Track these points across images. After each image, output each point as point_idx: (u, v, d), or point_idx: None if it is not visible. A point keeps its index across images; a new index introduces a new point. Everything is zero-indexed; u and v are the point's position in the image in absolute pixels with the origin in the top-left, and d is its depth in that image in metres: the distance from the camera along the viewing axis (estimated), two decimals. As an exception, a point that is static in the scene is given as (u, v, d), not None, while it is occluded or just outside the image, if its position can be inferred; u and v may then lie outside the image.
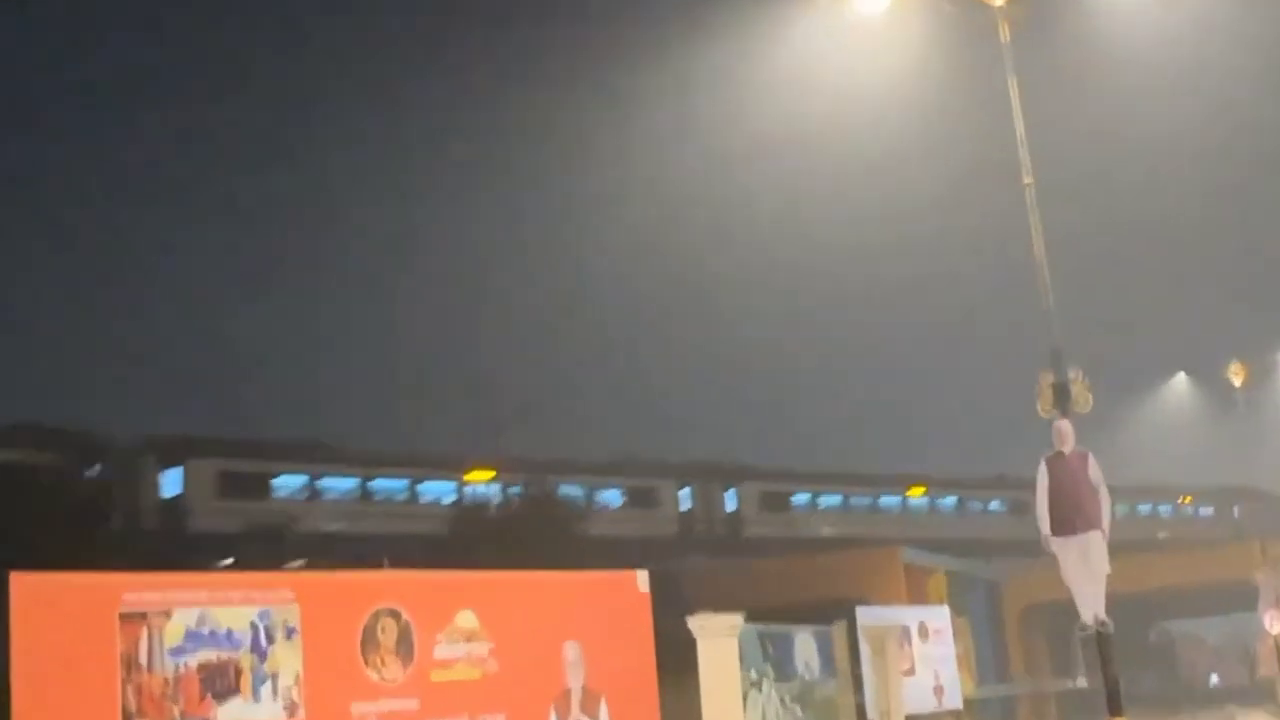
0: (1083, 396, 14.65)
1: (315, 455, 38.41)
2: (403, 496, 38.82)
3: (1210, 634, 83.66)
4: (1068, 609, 14.70)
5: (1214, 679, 76.59)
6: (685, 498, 48.36)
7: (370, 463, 39.23)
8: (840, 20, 17.36)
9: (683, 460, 48.87)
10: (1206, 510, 64.22)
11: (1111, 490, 14.81)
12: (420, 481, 39.45)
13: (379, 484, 38.69)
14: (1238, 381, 40.67)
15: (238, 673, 13.84)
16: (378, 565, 17.58)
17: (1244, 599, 40.14)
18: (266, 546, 30.30)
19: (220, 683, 13.65)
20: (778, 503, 49.94)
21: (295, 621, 14.50)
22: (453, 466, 40.96)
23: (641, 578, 19.97)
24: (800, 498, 50.67)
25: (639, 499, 46.35)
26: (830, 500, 51.52)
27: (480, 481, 39.92)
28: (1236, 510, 62.37)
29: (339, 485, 38.09)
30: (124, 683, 12.81)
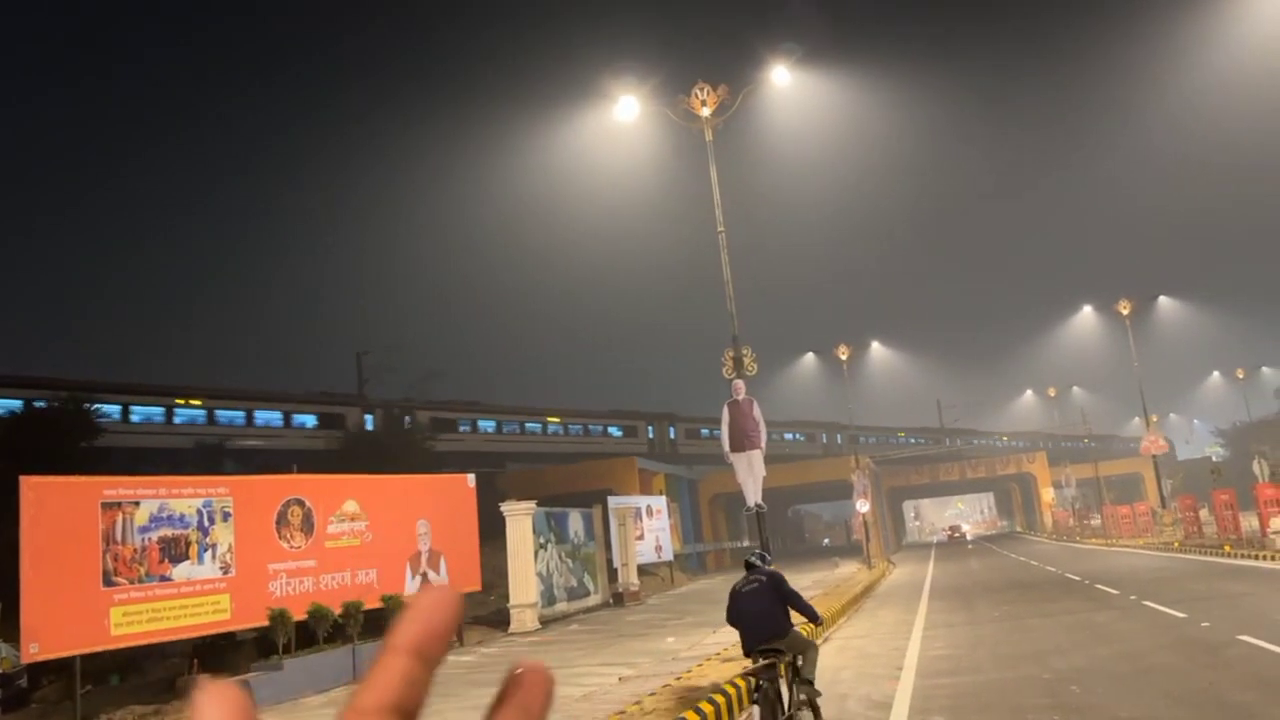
0: (751, 365, 15.19)
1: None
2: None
3: (824, 513, 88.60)
4: (739, 497, 15.19)
5: (826, 541, 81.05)
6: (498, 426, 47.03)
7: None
8: (608, 124, 17.74)
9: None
10: (823, 435, 67.29)
11: (767, 423, 15.57)
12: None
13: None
14: (844, 357, 42.93)
15: (187, 544, 13.23)
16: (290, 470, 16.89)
17: (844, 490, 42.72)
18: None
19: (174, 551, 13.04)
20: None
21: (229, 508, 13.93)
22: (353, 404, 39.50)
23: (470, 479, 19.91)
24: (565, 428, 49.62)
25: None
26: (604, 430, 50.92)
27: (368, 413, 38.58)
28: (840, 437, 65.77)
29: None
30: (104, 552, 12.14)
